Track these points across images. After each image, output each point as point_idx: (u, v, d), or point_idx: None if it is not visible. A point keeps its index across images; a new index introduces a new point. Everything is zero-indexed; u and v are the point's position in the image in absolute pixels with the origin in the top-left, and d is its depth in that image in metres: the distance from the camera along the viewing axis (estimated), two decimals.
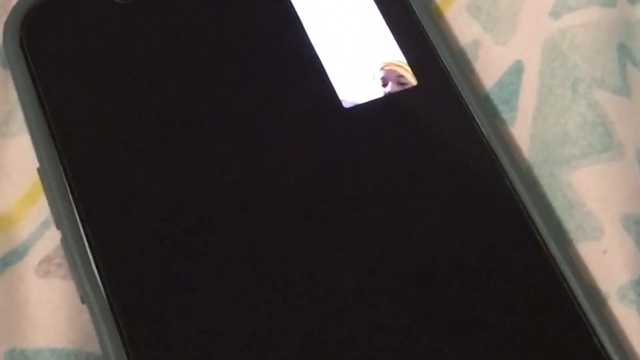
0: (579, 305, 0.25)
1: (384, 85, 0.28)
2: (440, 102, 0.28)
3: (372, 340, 0.25)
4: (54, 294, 0.26)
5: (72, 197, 0.25)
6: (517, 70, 0.29)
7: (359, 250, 0.26)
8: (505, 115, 0.29)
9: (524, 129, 0.29)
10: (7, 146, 0.27)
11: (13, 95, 0.28)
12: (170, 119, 0.27)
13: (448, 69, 0.28)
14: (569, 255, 0.26)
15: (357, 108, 0.28)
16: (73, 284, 0.25)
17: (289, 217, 0.26)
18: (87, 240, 0.25)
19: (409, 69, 0.28)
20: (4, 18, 0.28)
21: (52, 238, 0.26)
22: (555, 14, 0.30)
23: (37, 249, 0.26)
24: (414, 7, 0.29)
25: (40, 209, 0.27)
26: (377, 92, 0.28)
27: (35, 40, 0.28)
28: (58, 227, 0.25)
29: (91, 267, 0.24)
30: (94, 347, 0.25)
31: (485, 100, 0.29)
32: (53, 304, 0.25)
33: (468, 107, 0.28)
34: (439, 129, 0.28)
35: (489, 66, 0.29)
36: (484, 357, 0.25)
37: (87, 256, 0.25)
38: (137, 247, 0.25)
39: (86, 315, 0.25)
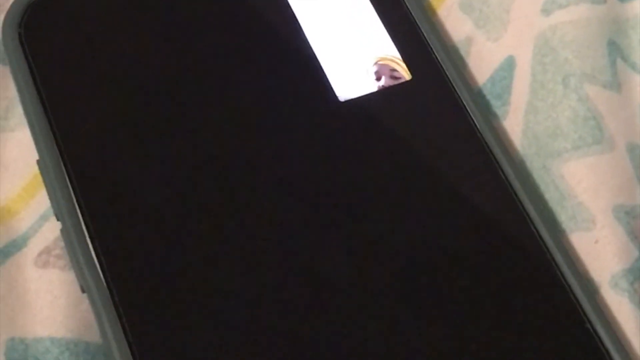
0: (573, 294, 0.25)
1: (378, 79, 0.28)
2: (433, 97, 0.28)
3: (372, 334, 0.25)
4: (53, 284, 0.26)
5: (72, 187, 0.25)
6: (509, 65, 0.29)
7: (354, 243, 0.26)
8: (498, 109, 0.29)
9: (516, 123, 0.29)
10: (6, 140, 0.28)
11: (11, 92, 0.28)
12: (168, 112, 0.27)
13: (441, 64, 0.28)
14: (562, 246, 0.26)
15: (352, 102, 0.28)
16: (72, 274, 0.25)
17: (286, 211, 0.26)
18: (87, 229, 0.25)
19: (402, 64, 0.28)
20: (2, 15, 0.28)
21: (52, 230, 0.26)
22: (546, 11, 0.30)
23: (36, 240, 0.26)
24: (407, 3, 0.29)
25: (39, 202, 0.27)
26: (371, 86, 0.28)
27: (34, 35, 0.28)
28: (58, 218, 0.25)
29: (91, 256, 0.24)
30: (94, 336, 0.25)
31: (478, 95, 0.29)
32: (52, 294, 0.26)
33: (461, 102, 0.28)
34: (432, 123, 0.28)
35: (482, 62, 0.30)
36: (479, 345, 0.25)
37: (87, 245, 0.25)
38: (136, 236, 0.25)
39: (85, 305, 0.25)
